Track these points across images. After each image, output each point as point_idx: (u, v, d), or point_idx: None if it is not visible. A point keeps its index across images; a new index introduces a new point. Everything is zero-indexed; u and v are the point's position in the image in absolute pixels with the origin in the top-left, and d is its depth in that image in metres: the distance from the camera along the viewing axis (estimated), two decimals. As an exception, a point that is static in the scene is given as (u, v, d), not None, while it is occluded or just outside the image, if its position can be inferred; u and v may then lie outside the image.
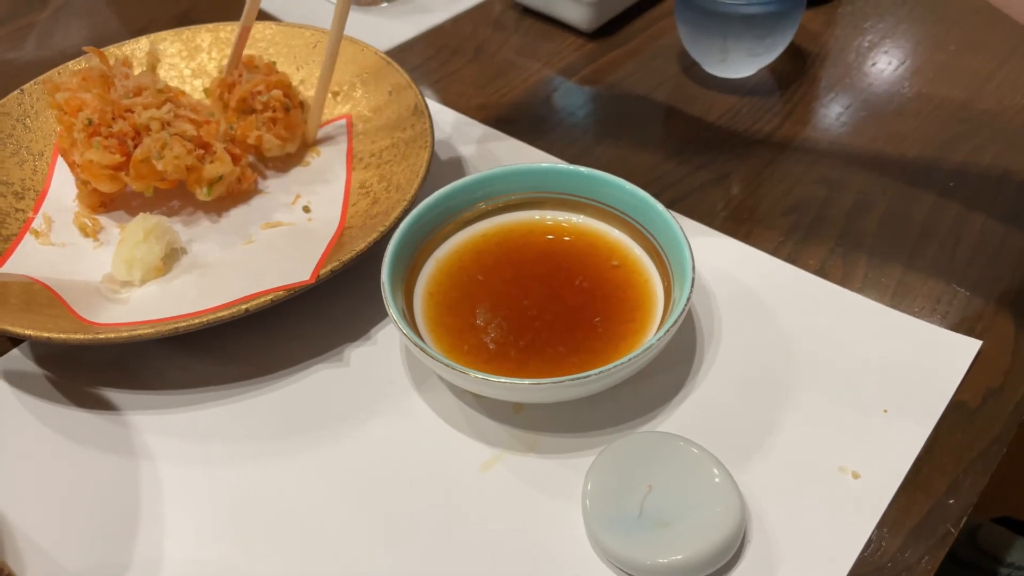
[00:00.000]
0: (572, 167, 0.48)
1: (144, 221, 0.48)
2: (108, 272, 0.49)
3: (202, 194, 0.50)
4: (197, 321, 0.41)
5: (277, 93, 0.53)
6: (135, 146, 0.50)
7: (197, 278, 0.48)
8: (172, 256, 0.50)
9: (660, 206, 0.44)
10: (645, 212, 0.45)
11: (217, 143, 0.51)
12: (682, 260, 0.42)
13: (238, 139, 0.54)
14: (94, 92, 0.51)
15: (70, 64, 0.58)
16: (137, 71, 0.57)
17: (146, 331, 0.41)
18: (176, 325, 0.41)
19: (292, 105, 0.54)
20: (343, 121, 0.57)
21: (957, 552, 0.59)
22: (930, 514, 0.38)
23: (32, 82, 0.56)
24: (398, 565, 0.37)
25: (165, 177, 0.50)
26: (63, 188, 0.53)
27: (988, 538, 0.59)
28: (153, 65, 0.58)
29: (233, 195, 0.53)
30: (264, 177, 0.55)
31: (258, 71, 0.55)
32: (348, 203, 0.51)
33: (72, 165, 0.51)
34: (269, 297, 0.42)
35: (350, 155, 0.55)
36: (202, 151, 0.50)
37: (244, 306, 0.42)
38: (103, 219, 0.52)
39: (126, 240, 0.48)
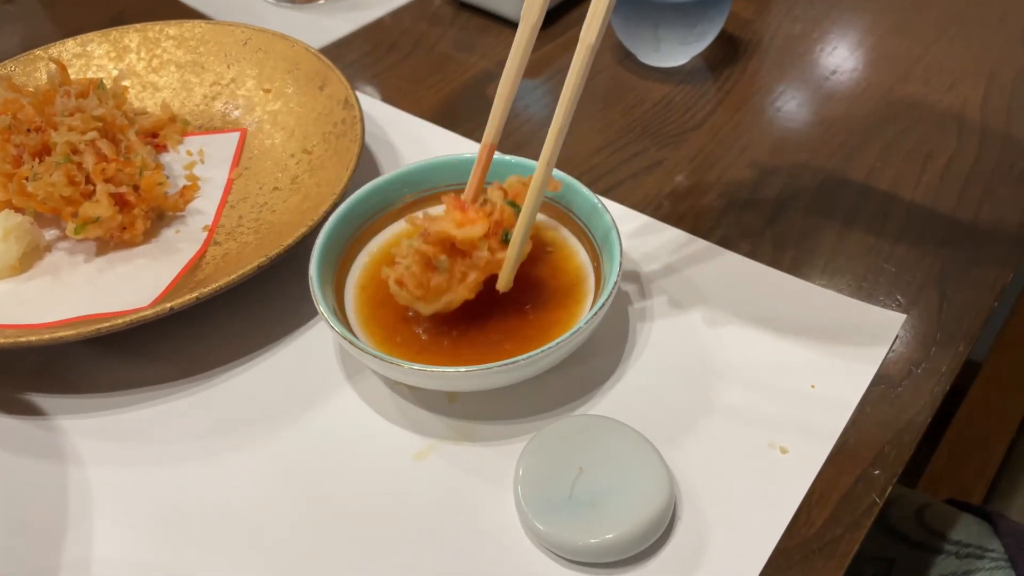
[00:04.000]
0: (498, 155, 0.48)
1: (5, 220, 0.48)
2: None
3: (69, 230, 0.48)
4: (121, 321, 0.41)
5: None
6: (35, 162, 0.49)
7: (49, 285, 0.48)
8: (34, 254, 0.49)
9: (587, 191, 0.45)
10: (573, 198, 0.46)
11: (102, 185, 0.48)
12: (610, 245, 0.43)
13: (142, 190, 0.50)
14: (32, 101, 0.50)
15: (8, 62, 0.57)
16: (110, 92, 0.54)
17: (67, 332, 0.40)
18: (99, 325, 0.40)
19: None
20: (236, 135, 0.57)
21: (906, 531, 0.59)
22: (856, 485, 0.39)
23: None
24: (333, 557, 0.37)
25: (40, 201, 0.48)
26: None
27: (935, 517, 0.60)
28: (120, 98, 0.55)
29: (114, 241, 0.50)
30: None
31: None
32: (216, 226, 0.51)
33: None
34: (194, 295, 0.42)
35: (231, 180, 0.54)
36: (92, 187, 0.48)
37: (168, 304, 0.41)
38: None
39: None
